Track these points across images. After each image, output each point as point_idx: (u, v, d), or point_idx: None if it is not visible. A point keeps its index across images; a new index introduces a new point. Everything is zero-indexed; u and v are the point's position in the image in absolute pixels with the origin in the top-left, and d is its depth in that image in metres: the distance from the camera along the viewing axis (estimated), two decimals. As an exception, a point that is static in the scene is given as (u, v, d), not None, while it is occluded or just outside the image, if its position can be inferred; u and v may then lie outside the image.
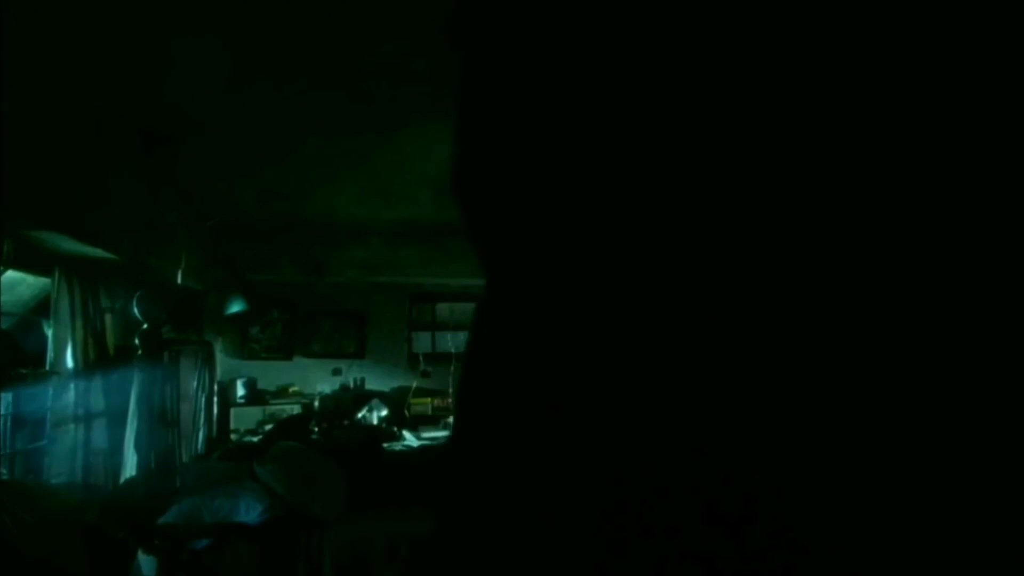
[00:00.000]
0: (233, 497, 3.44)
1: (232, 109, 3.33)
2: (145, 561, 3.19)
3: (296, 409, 6.46)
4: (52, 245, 3.48)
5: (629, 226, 0.45)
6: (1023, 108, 0.39)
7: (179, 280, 4.78)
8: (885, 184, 0.41)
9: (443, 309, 7.58)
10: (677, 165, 0.44)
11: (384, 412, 6.31)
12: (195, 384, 5.68)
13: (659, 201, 0.44)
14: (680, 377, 0.43)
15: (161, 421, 4.60)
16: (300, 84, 3.03)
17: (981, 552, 0.38)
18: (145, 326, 4.33)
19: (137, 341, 4.31)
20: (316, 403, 6.49)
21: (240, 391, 6.67)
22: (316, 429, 5.47)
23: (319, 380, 6.90)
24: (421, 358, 7.17)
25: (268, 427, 5.63)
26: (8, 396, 3.49)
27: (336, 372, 7.01)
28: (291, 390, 6.84)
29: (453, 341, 7.39)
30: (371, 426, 6.03)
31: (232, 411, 6.57)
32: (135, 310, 4.28)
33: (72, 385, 3.76)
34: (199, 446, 5.55)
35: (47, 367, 3.66)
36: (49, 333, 3.71)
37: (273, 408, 6.54)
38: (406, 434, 5.85)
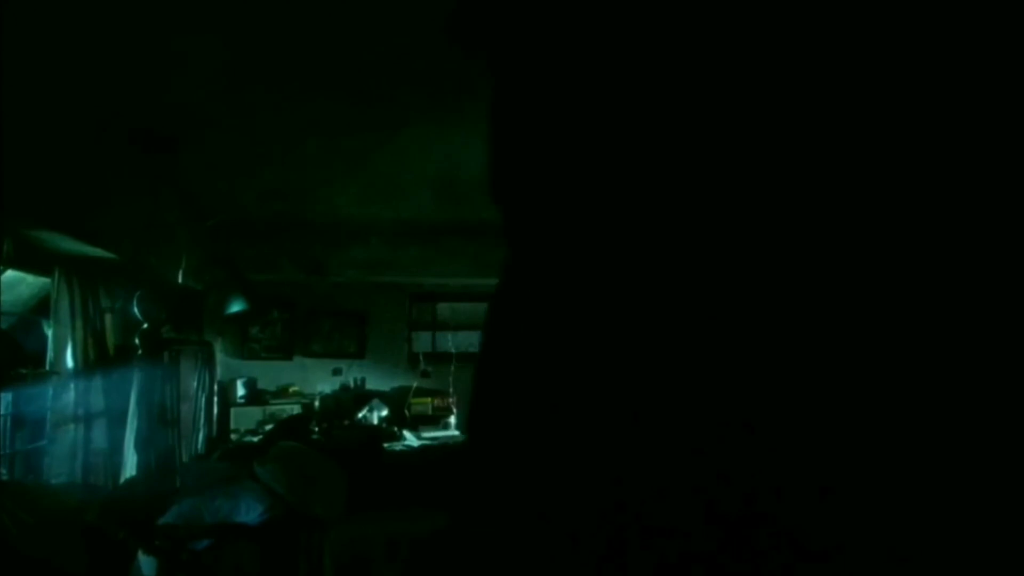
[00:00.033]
0: (233, 497, 3.44)
1: (232, 109, 3.33)
2: (145, 561, 3.19)
3: (296, 409, 6.46)
4: (52, 245, 3.48)
5: (631, 230, 0.45)
6: (1023, 108, 0.39)
7: (179, 280, 4.78)
8: (885, 184, 0.40)
9: (443, 309, 7.58)
10: (681, 166, 0.44)
11: (384, 412, 6.32)
12: (195, 384, 5.68)
13: (658, 205, 0.44)
14: (681, 378, 0.43)
15: (161, 421, 4.60)
16: (300, 84, 3.03)
17: (981, 551, 0.38)
18: (145, 326, 4.33)
19: (137, 341, 4.31)
20: (316, 403, 6.49)
21: (240, 391, 6.66)
22: (316, 429, 5.47)
23: (319, 380, 6.90)
24: (421, 358, 7.17)
25: (268, 427, 5.63)
26: (8, 396, 3.49)
27: (336, 372, 7.01)
28: (291, 390, 6.84)
29: (453, 341, 7.39)
30: (371, 426, 6.03)
31: (232, 411, 6.57)
32: (135, 310, 4.28)
33: (72, 385, 3.76)
34: (199, 446, 5.55)
35: (47, 367, 3.65)
36: (49, 333, 3.70)
37: (273, 408, 6.53)
38: (406, 434, 5.85)
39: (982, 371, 0.38)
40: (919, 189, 0.40)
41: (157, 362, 4.56)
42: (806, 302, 0.41)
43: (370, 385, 6.93)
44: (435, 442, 5.66)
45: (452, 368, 6.90)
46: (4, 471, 3.47)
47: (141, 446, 4.22)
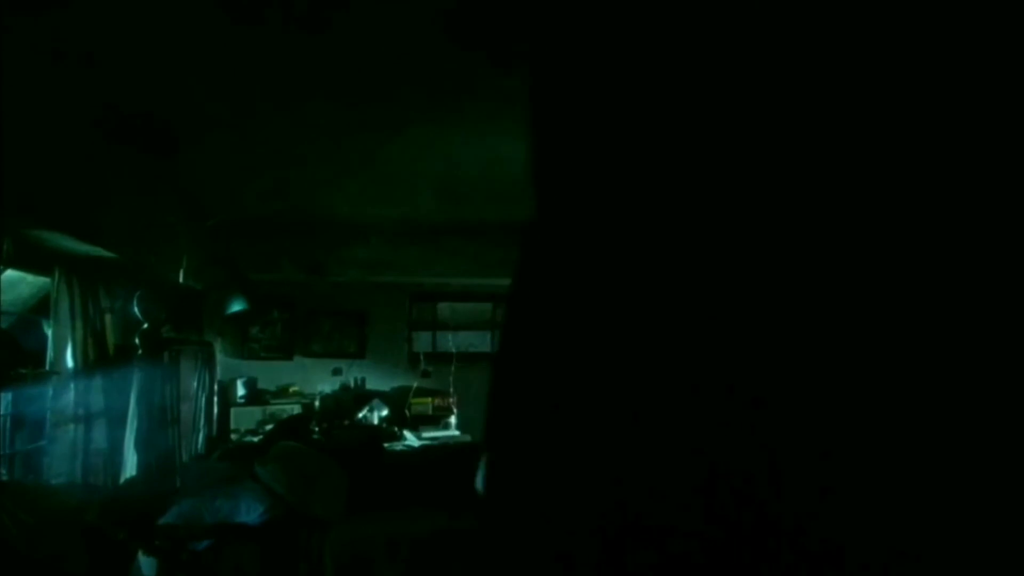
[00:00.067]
0: (233, 498, 3.44)
1: (232, 109, 3.33)
2: (145, 562, 3.19)
3: (296, 409, 6.46)
4: (52, 244, 3.48)
5: (634, 231, 0.45)
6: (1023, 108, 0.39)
7: (180, 280, 4.78)
8: (886, 184, 0.40)
9: (444, 309, 7.58)
10: (682, 167, 0.44)
11: (385, 412, 6.32)
12: (195, 384, 5.68)
13: (657, 208, 0.44)
14: (680, 377, 0.43)
15: (161, 421, 4.60)
16: (300, 84, 3.03)
17: (981, 551, 0.38)
18: (145, 326, 4.33)
19: (137, 341, 4.31)
20: (316, 403, 6.49)
21: (240, 391, 6.66)
22: (316, 429, 5.48)
23: (319, 380, 6.90)
24: (422, 358, 7.17)
25: (268, 427, 5.64)
26: (8, 396, 3.49)
27: (336, 372, 7.00)
28: (291, 390, 6.84)
29: (454, 341, 7.39)
30: (372, 426, 6.03)
31: (232, 411, 6.56)
32: (135, 310, 4.28)
33: (72, 385, 3.76)
34: (199, 446, 5.55)
35: (47, 367, 3.65)
36: (49, 332, 3.70)
37: (273, 408, 6.53)
38: (407, 434, 5.86)
39: (983, 371, 0.38)
40: (920, 189, 0.40)
41: (157, 362, 4.56)
42: (806, 302, 0.41)
43: (370, 385, 6.93)
44: (435, 442, 5.66)
45: (452, 368, 6.90)
46: (4, 471, 3.46)
47: (141, 446, 4.22)
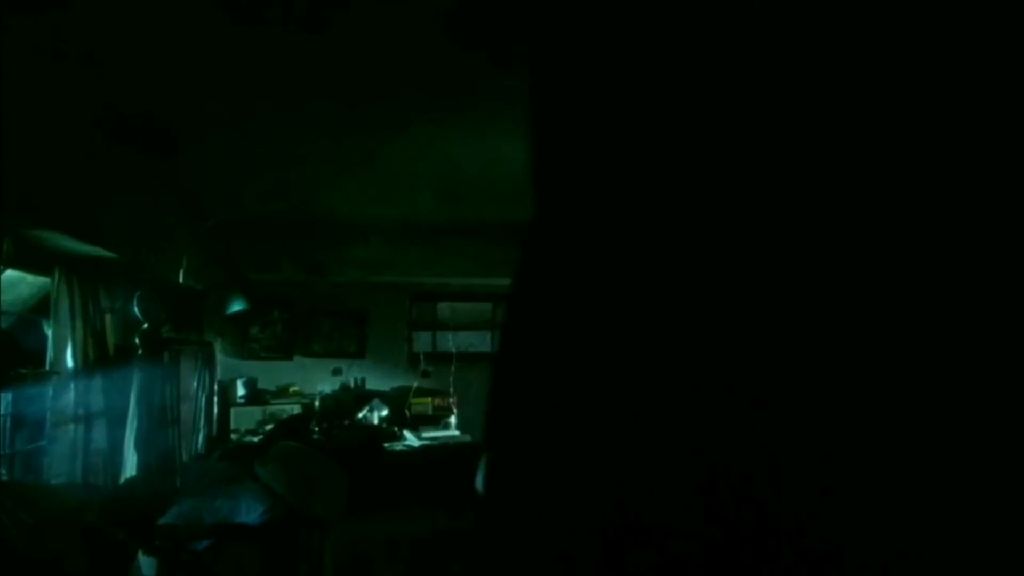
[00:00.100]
0: (234, 498, 3.44)
1: (233, 108, 3.33)
2: (145, 562, 3.19)
3: (296, 409, 6.45)
4: (52, 244, 3.47)
5: (633, 231, 0.45)
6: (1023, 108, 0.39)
7: (180, 280, 4.78)
8: (886, 184, 0.40)
9: (444, 309, 7.58)
10: (683, 166, 0.44)
11: (385, 412, 6.32)
12: (195, 384, 5.68)
13: (656, 208, 0.44)
14: (680, 377, 0.43)
15: (161, 421, 4.60)
16: (300, 84, 3.03)
17: (981, 551, 0.38)
18: (145, 326, 4.33)
19: (137, 341, 4.31)
20: (316, 403, 6.48)
21: (240, 391, 6.66)
22: (316, 429, 5.47)
23: (319, 380, 6.89)
24: (422, 358, 7.16)
25: (268, 427, 5.64)
26: (8, 396, 3.49)
27: (336, 372, 7.00)
28: (291, 390, 6.84)
29: (454, 341, 7.39)
30: (372, 426, 6.03)
31: (232, 411, 6.56)
32: (135, 310, 4.28)
33: (72, 385, 3.76)
34: (199, 446, 5.54)
35: (47, 367, 3.65)
36: (49, 332, 3.70)
37: (273, 408, 6.53)
38: (407, 434, 5.85)
39: (983, 370, 0.38)
40: (920, 189, 0.40)
41: (157, 362, 4.56)
42: (806, 302, 0.41)
43: (370, 385, 6.93)
44: (435, 442, 5.66)
45: (452, 368, 6.90)
46: (4, 471, 3.46)
47: (141, 446, 4.22)
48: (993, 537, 0.37)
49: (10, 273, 3.39)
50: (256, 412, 6.48)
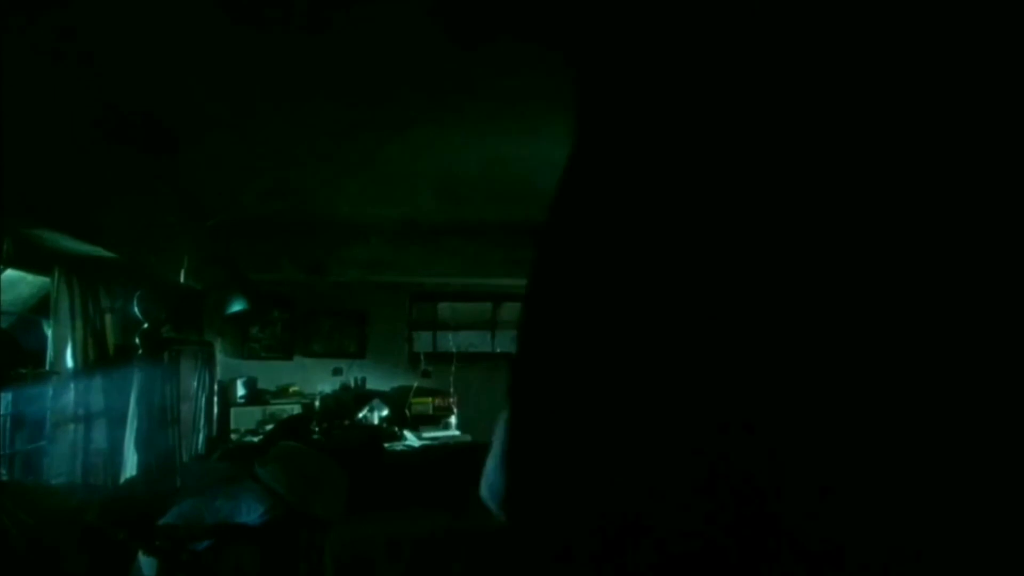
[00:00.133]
0: (234, 498, 3.44)
1: (233, 108, 3.33)
2: (146, 562, 3.19)
3: (296, 409, 6.45)
4: (52, 244, 3.47)
5: (640, 233, 0.45)
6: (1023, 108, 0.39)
7: (183, 279, 4.78)
8: (887, 184, 0.40)
9: (444, 308, 7.58)
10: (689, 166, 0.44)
11: (385, 412, 6.32)
12: (195, 384, 5.68)
13: (659, 211, 0.45)
14: (679, 377, 0.43)
15: (161, 421, 4.60)
16: (301, 83, 3.03)
17: (982, 551, 0.38)
18: (145, 326, 4.33)
19: (137, 341, 4.31)
20: (317, 403, 6.48)
21: (240, 391, 6.66)
22: (317, 429, 5.47)
23: (319, 380, 6.89)
24: (422, 358, 7.16)
25: (268, 427, 5.64)
26: (8, 396, 3.49)
27: (336, 372, 7.00)
28: (291, 390, 6.84)
29: (454, 341, 7.39)
30: (372, 426, 6.03)
31: (232, 411, 6.56)
32: (135, 310, 4.28)
33: (72, 385, 3.76)
34: (199, 446, 5.55)
35: (47, 367, 3.65)
36: (49, 332, 3.70)
37: (273, 408, 6.53)
38: (407, 434, 5.85)
39: (983, 371, 0.38)
40: (920, 189, 0.40)
41: (157, 362, 4.56)
42: (808, 303, 0.41)
43: (370, 385, 6.93)
44: (436, 442, 5.66)
45: (453, 368, 6.90)
46: (4, 471, 3.46)
47: (141, 446, 4.22)
48: (992, 537, 0.37)
49: (10, 273, 3.39)
50: (256, 412, 6.48)
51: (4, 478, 3.37)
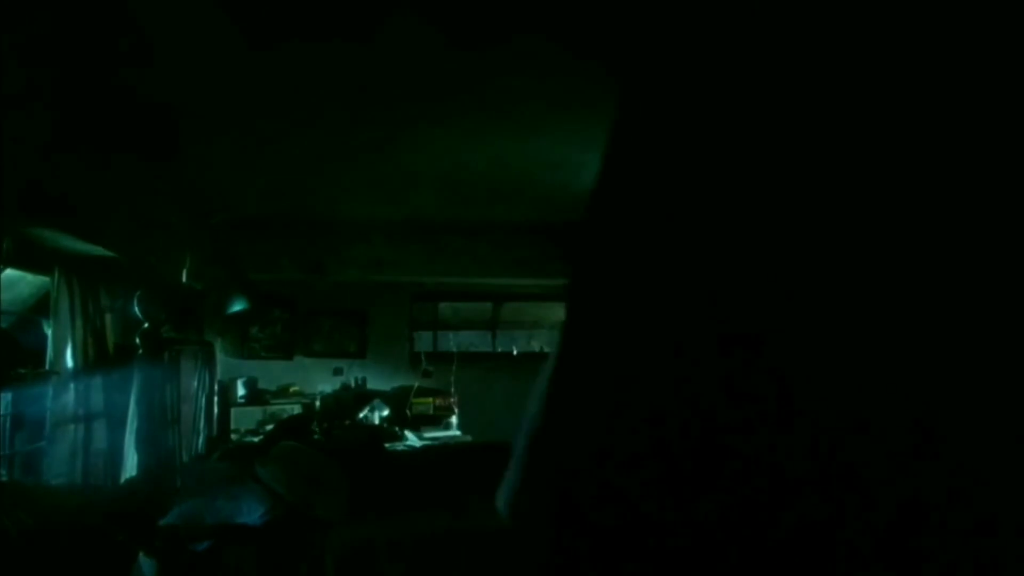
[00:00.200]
0: (234, 498, 3.44)
1: (234, 106, 3.32)
2: (146, 563, 3.18)
3: (297, 409, 6.45)
4: (52, 243, 3.47)
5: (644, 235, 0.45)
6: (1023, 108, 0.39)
7: (183, 279, 4.77)
8: (887, 184, 0.40)
9: (445, 308, 7.58)
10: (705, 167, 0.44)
11: (385, 412, 6.31)
12: (195, 384, 5.68)
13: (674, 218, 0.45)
14: (682, 379, 0.43)
15: (161, 421, 4.60)
16: (303, 81, 3.02)
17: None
18: (145, 326, 4.32)
19: (137, 340, 4.30)
20: (317, 403, 6.48)
21: (240, 391, 6.66)
22: (317, 429, 5.47)
23: (320, 380, 6.89)
24: (423, 357, 7.15)
25: (269, 427, 5.63)
26: (8, 396, 3.48)
27: (337, 372, 7.00)
28: (292, 390, 6.83)
29: (455, 340, 7.39)
30: (372, 426, 6.03)
31: (232, 411, 6.56)
32: (135, 309, 4.28)
33: (72, 385, 3.75)
34: (199, 446, 5.54)
35: (47, 366, 3.64)
36: (49, 332, 3.70)
37: (274, 408, 6.53)
38: (408, 434, 5.85)
39: (984, 370, 0.38)
40: (921, 189, 0.40)
41: (157, 362, 4.56)
42: (808, 301, 0.41)
43: (371, 385, 6.92)
44: (436, 442, 5.66)
45: (453, 368, 6.89)
46: (4, 472, 3.46)
47: (141, 446, 4.21)
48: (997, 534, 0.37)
49: (9, 272, 3.38)
50: (256, 412, 6.48)
51: (4, 478, 3.37)
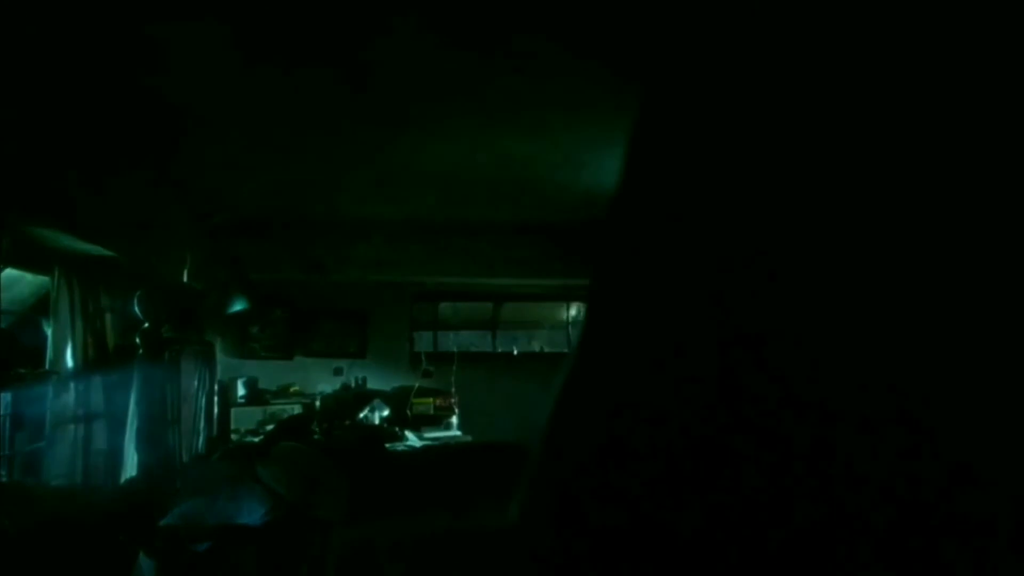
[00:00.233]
0: (235, 499, 3.44)
1: (234, 106, 3.32)
2: (146, 563, 3.18)
3: (297, 409, 6.45)
4: (51, 242, 3.47)
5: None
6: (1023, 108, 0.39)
7: (184, 279, 4.77)
8: (888, 184, 0.40)
9: (445, 308, 7.57)
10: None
11: (386, 412, 6.31)
12: (195, 384, 5.68)
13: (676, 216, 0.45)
14: (682, 381, 0.43)
15: (161, 421, 4.60)
16: (304, 81, 3.01)
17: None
18: (145, 325, 4.32)
19: (137, 340, 4.30)
20: (317, 403, 6.48)
21: (240, 391, 6.66)
22: (317, 429, 5.47)
23: (320, 380, 6.89)
24: (423, 357, 7.15)
25: (269, 427, 5.63)
26: (8, 396, 3.48)
27: (337, 371, 7.00)
28: (292, 390, 6.83)
29: (455, 340, 7.38)
30: (373, 426, 6.03)
31: (232, 411, 6.56)
32: (135, 309, 4.27)
33: (72, 385, 3.75)
34: (200, 446, 5.54)
35: (46, 366, 3.64)
36: (48, 332, 3.69)
37: (274, 408, 6.53)
38: (408, 434, 5.85)
39: (984, 371, 0.38)
40: (920, 190, 0.40)
41: (157, 362, 4.55)
42: (808, 301, 0.41)
43: (371, 385, 6.92)
44: (437, 442, 5.66)
45: (454, 368, 6.88)
46: (4, 472, 3.45)
47: (141, 446, 4.21)
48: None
49: (9, 272, 3.38)
50: (256, 412, 6.48)
51: (4, 478, 3.37)
